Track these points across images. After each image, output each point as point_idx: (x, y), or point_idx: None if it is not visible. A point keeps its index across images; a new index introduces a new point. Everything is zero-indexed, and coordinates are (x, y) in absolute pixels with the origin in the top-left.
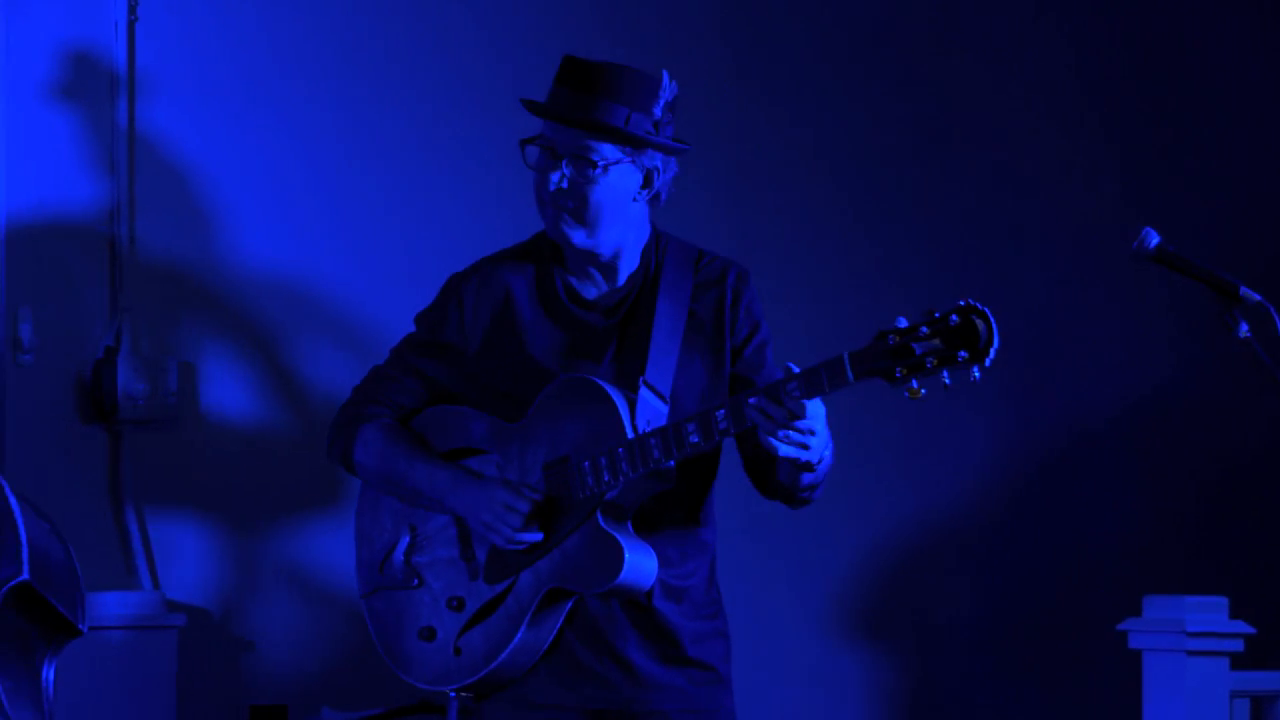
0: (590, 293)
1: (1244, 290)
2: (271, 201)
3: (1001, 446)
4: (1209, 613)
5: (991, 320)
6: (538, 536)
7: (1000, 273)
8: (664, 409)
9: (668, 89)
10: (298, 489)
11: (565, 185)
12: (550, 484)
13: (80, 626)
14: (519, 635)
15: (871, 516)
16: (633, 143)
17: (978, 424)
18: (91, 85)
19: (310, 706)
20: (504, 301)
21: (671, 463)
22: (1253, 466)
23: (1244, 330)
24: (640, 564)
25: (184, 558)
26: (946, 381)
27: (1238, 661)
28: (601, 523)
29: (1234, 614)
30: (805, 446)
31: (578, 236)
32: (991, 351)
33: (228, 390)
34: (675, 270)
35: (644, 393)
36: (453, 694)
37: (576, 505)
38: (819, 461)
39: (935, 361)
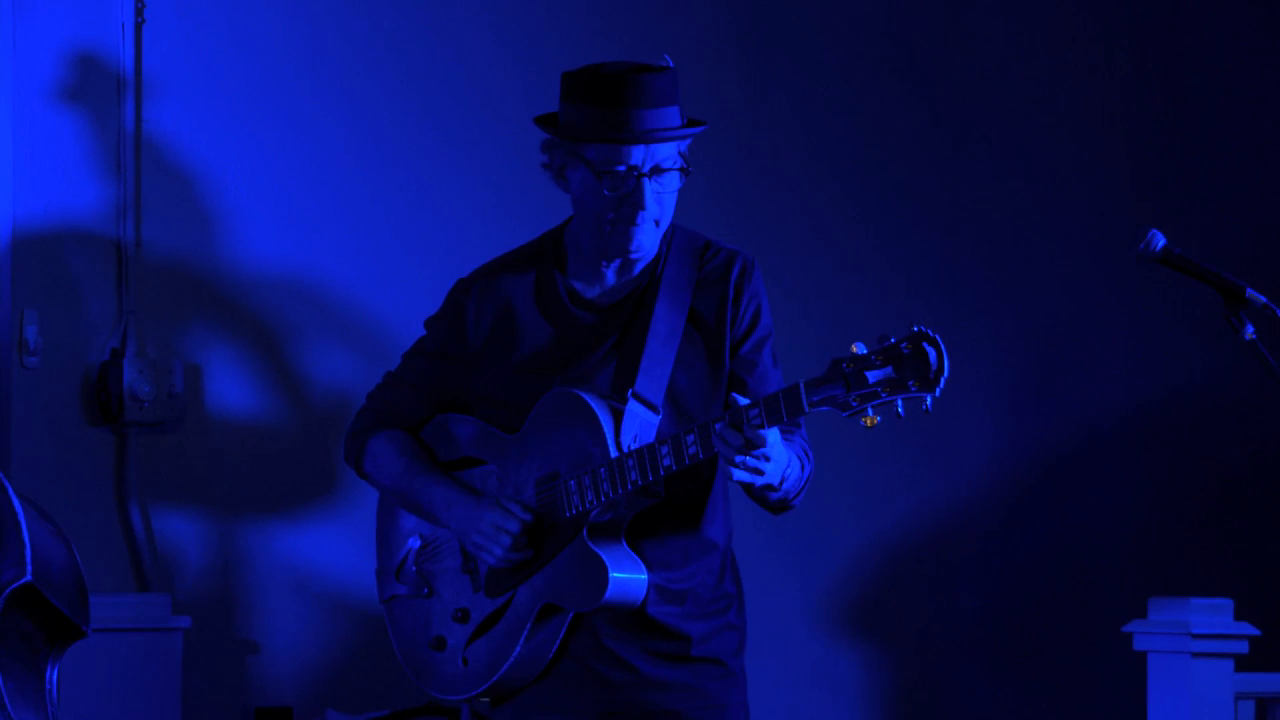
0: (592, 292)
1: (1250, 292)
2: (277, 204)
3: (1007, 447)
4: (1214, 615)
5: (943, 348)
6: (527, 554)
7: (1008, 274)
8: (654, 420)
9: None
10: (303, 491)
11: (655, 199)
12: (541, 500)
13: (84, 629)
14: (518, 648)
15: (877, 516)
16: (692, 136)
17: (984, 425)
18: (98, 87)
19: (315, 709)
20: (505, 308)
21: (654, 482)
22: (1258, 468)
23: (1249, 332)
24: (627, 583)
25: (189, 560)
26: (900, 411)
27: (1242, 663)
28: (589, 542)
29: (1239, 616)
30: (759, 472)
31: (650, 242)
32: (941, 381)
33: (233, 392)
34: (679, 265)
35: (632, 405)
36: (464, 706)
37: (565, 523)
38: (781, 481)
39: (887, 390)
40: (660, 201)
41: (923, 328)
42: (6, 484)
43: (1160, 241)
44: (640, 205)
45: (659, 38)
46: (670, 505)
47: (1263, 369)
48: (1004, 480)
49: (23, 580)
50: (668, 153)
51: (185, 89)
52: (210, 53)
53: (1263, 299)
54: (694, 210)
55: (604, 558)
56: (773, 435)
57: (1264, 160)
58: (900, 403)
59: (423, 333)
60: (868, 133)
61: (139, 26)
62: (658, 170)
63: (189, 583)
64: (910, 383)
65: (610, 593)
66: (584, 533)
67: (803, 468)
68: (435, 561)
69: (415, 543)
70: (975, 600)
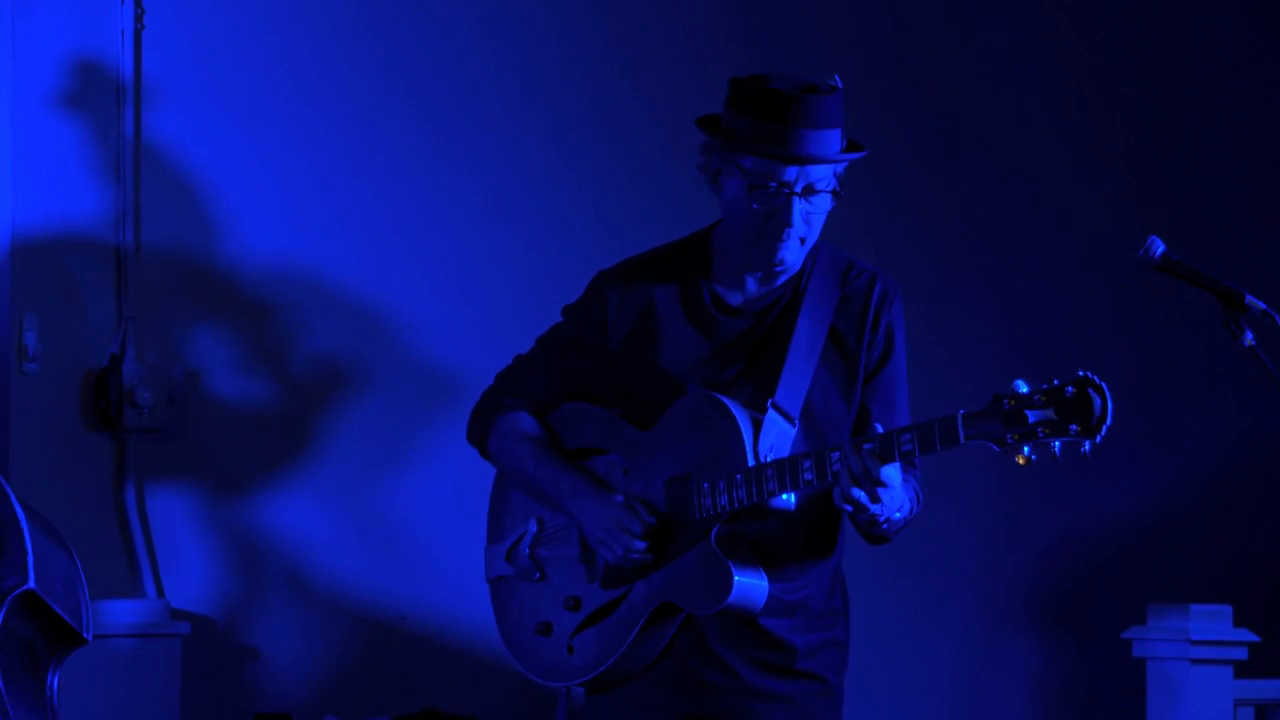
0: (735, 299)
1: (1249, 298)
2: (277, 209)
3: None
4: (1213, 621)
5: (1108, 396)
6: (648, 558)
7: (1006, 279)
8: (791, 431)
9: (842, 92)
10: (303, 497)
11: (802, 218)
12: (670, 500)
13: (85, 635)
14: (629, 642)
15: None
16: (850, 160)
17: None
18: (98, 94)
19: (314, 714)
20: (647, 305)
21: (790, 495)
22: (1258, 475)
23: (1249, 338)
24: (750, 590)
25: (188, 565)
26: (1057, 452)
27: (1241, 670)
28: (715, 546)
29: (1238, 622)
30: (864, 509)
31: (795, 258)
32: (1103, 429)
33: (232, 398)
34: (823, 282)
35: (771, 415)
36: (563, 691)
37: (693, 525)
38: (885, 521)
39: (1047, 431)
40: (808, 220)
41: (1089, 374)
42: (8, 490)
43: (1160, 248)
44: (787, 223)
45: (658, 39)
46: (790, 518)
47: (1262, 375)
48: (1001, 486)
49: (25, 587)
50: (822, 174)
51: (185, 95)
52: (210, 59)
53: (1262, 305)
54: (693, 210)
55: (729, 562)
56: (893, 473)
57: (1264, 166)
58: (1058, 445)
59: (426, 342)
60: (866, 134)
61: (138, 33)
62: (810, 190)
63: (188, 588)
64: (1072, 426)
65: (733, 597)
66: (711, 536)
67: (911, 510)
68: (551, 547)
69: (533, 527)
70: (973, 606)
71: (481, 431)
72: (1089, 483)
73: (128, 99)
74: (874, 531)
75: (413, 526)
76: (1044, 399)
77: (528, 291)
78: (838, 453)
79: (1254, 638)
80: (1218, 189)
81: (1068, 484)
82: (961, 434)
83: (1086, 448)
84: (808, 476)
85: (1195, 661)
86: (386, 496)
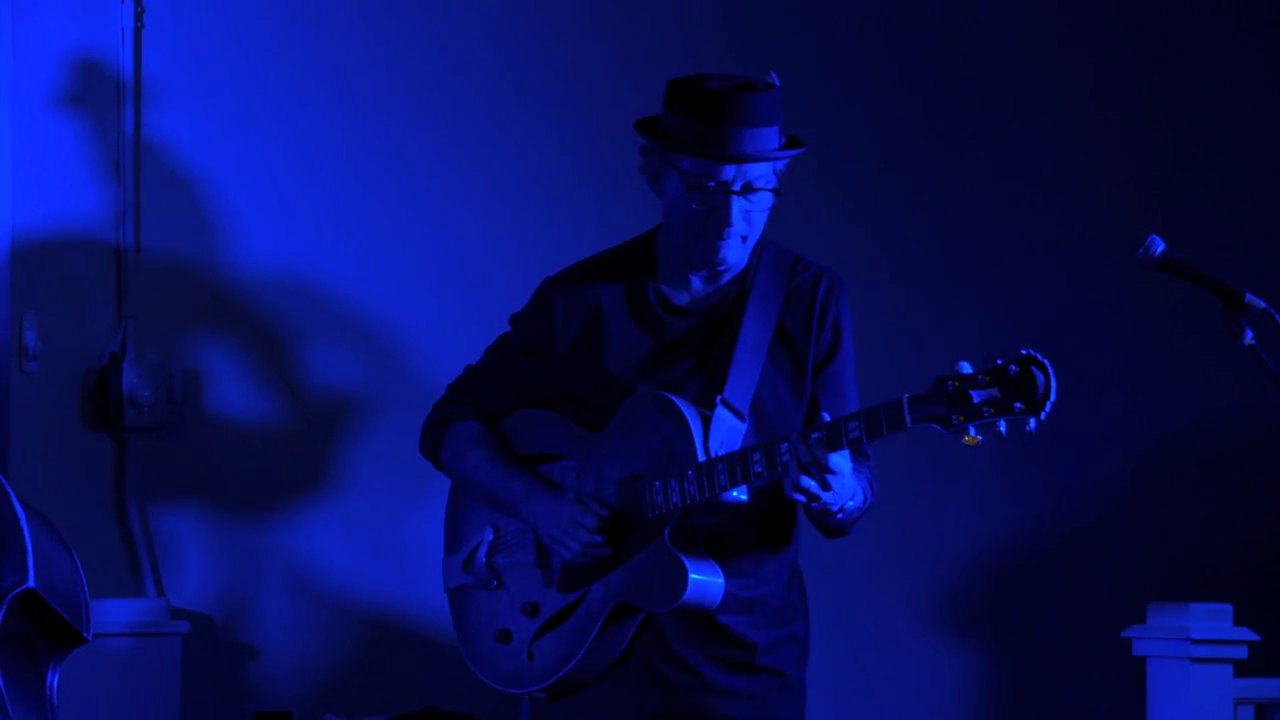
0: (681, 299)
1: (1249, 297)
2: (277, 209)
3: (1004, 452)
4: (1213, 620)
5: (1050, 372)
6: (605, 553)
7: (1005, 278)
8: (741, 427)
9: (780, 90)
10: (303, 496)
11: (741, 216)
12: (623, 499)
13: (85, 634)
14: (588, 644)
15: (874, 520)
16: (788, 158)
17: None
18: (98, 92)
19: (314, 713)
20: (594, 309)
21: (742, 489)
22: (1258, 473)
23: (1249, 337)
24: (705, 587)
25: (188, 564)
26: (1003, 432)
27: (1242, 668)
28: (669, 544)
29: (1238, 621)
30: (816, 498)
31: (736, 257)
32: (1047, 405)
33: (233, 397)
34: (768, 279)
35: (720, 411)
36: (526, 696)
37: (647, 524)
38: (838, 511)
39: (992, 411)
40: (749, 219)
41: (1031, 351)
42: (9, 489)
43: (1160, 247)
44: (727, 222)
45: (655, 39)
46: (744, 512)
47: (1262, 374)
48: (1001, 485)
49: (25, 586)
50: (760, 172)
51: (185, 94)
52: (210, 58)
53: (1262, 304)
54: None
55: (684, 559)
56: (843, 461)
57: (1264, 165)
58: (1004, 424)
59: (425, 344)
60: (865, 134)
61: (139, 31)
62: (749, 189)
63: (188, 587)
64: (1016, 404)
65: (688, 595)
66: (665, 534)
67: (865, 500)
68: (507, 555)
69: (488, 535)
70: (973, 604)
71: (433, 443)
72: (1088, 481)
73: (128, 98)
74: (828, 523)
75: (413, 524)
76: (988, 379)
77: (526, 289)
78: (786, 444)
79: (1254, 636)
80: (1218, 187)
81: (1067, 482)
82: (908, 417)
83: (1032, 425)
84: (758, 469)
85: (1195, 660)
86: (387, 494)
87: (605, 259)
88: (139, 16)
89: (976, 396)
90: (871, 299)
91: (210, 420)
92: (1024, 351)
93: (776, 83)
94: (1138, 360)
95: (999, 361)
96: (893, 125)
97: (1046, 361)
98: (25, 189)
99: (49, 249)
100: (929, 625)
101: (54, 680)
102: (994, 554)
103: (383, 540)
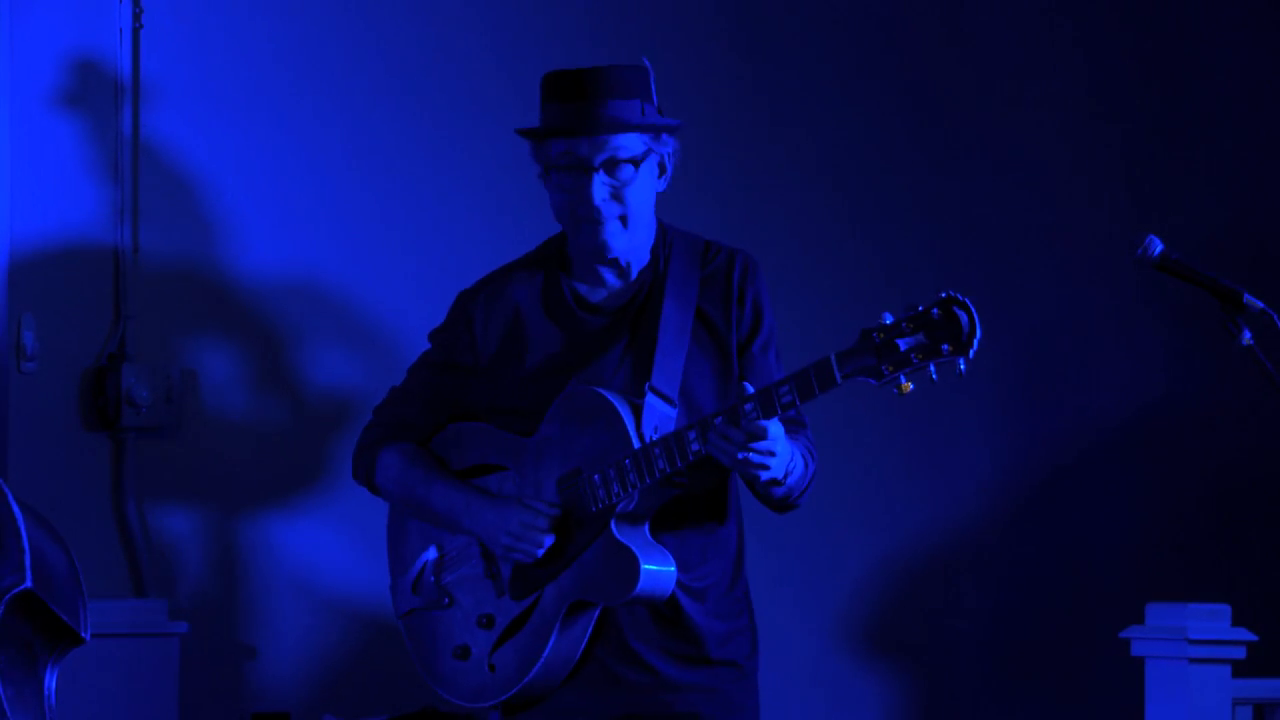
0: (598, 295)
1: (1247, 298)
2: (275, 209)
3: (1004, 453)
4: (1211, 620)
5: (973, 311)
6: (552, 546)
7: (1004, 278)
8: (672, 413)
9: (651, 71)
10: (301, 496)
11: (607, 194)
12: (565, 497)
13: (83, 634)
14: (549, 648)
15: (873, 525)
16: (655, 129)
17: (980, 431)
18: (96, 92)
19: (313, 713)
20: (512, 316)
21: (681, 471)
22: (1255, 473)
23: (1247, 338)
24: (657, 574)
25: (186, 565)
26: (934, 376)
27: (1240, 669)
28: (616, 535)
29: (1236, 621)
30: (765, 467)
31: (619, 243)
32: (974, 343)
33: (231, 397)
34: (682, 265)
35: (650, 398)
36: (494, 714)
37: (591, 518)
38: (785, 475)
39: (920, 356)
40: (620, 198)
41: (951, 292)
42: (6, 489)
43: (1158, 247)
44: (588, 200)
45: (654, 40)
46: (688, 502)
47: (1260, 374)
48: (1001, 486)
49: (23, 586)
50: (624, 143)
51: (183, 94)
52: (208, 58)
53: (1260, 304)
54: (689, 211)
55: (634, 549)
56: (775, 428)
57: (1262, 165)
58: (934, 368)
59: (425, 345)
60: (862, 134)
61: (137, 32)
62: (612, 163)
63: (186, 588)
64: (944, 346)
65: (641, 584)
66: (611, 526)
67: (806, 465)
68: (454, 570)
69: (432, 554)
70: (972, 605)
71: (366, 469)
72: (1087, 482)
73: (126, 98)
74: (775, 495)
75: None
76: (911, 325)
77: None
78: (721, 418)
79: (1252, 637)
80: (1217, 187)
81: (1067, 485)
82: (837, 373)
83: (962, 366)
84: (694, 447)
85: (1193, 660)
86: None
87: (518, 264)
88: (137, 17)
89: (903, 345)
90: (869, 299)
91: (208, 421)
92: (944, 294)
93: (646, 64)
94: (1134, 361)
95: (920, 307)
96: (888, 124)
97: (968, 300)
98: (23, 189)
99: (47, 249)
100: (923, 622)
101: (51, 681)
102: (991, 555)
103: (381, 541)
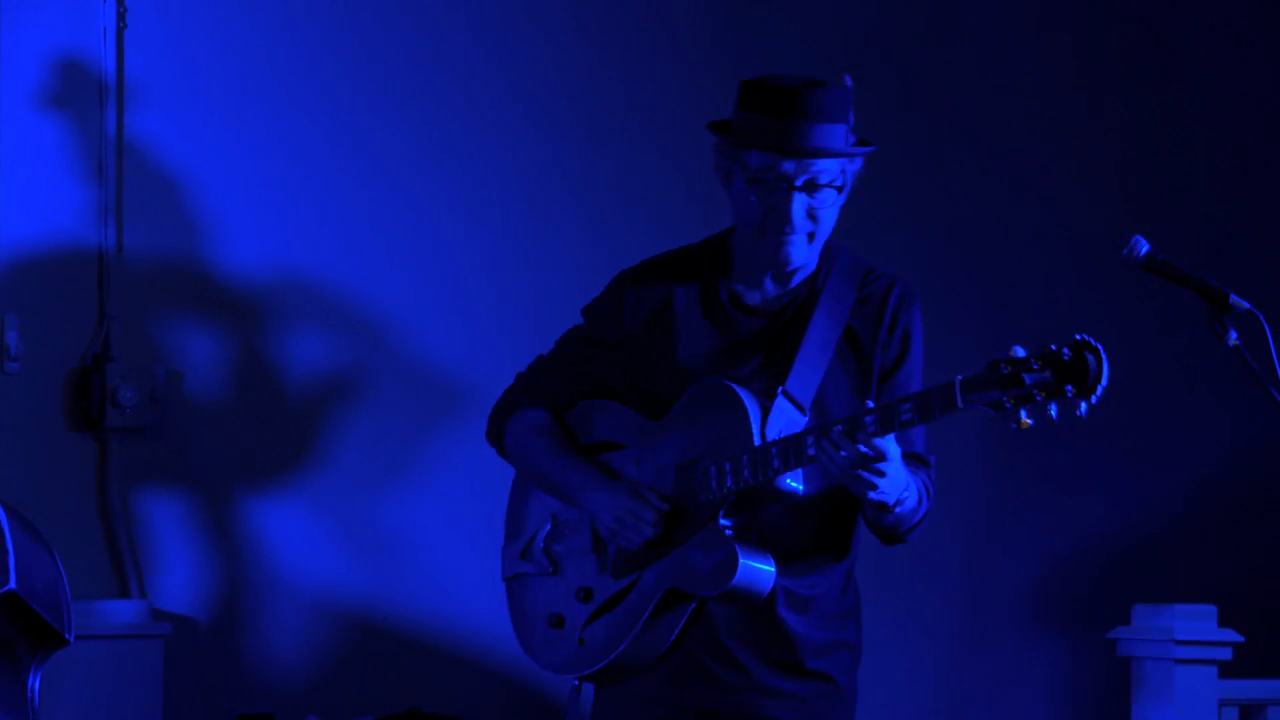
0: (753, 298)
1: (1234, 298)
2: (259, 208)
3: (991, 454)
4: (1198, 621)
5: (1103, 356)
6: (657, 538)
7: (992, 280)
8: (801, 420)
9: (852, 91)
10: (285, 496)
11: (804, 212)
12: (679, 485)
13: (67, 636)
14: (637, 630)
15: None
16: (854, 156)
17: (968, 432)
18: (80, 92)
19: (297, 714)
20: (664, 303)
21: (797, 476)
22: (1242, 475)
23: (1233, 338)
24: (755, 571)
25: (171, 566)
26: (1054, 415)
27: (1226, 670)
28: (721, 528)
29: (1223, 622)
30: (873, 486)
31: (801, 258)
32: (1099, 389)
33: (215, 397)
34: (839, 282)
35: (780, 402)
36: (575, 681)
37: (701, 508)
38: (895, 504)
39: (1043, 394)
40: (814, 216)
41: (1086, 337)
42: None
43: (1144, 247)
44: (786, 218)
45: (646, 39)
46: (804, 511)
47: (1247, 375)
48: (987, 487)
49: (6, 588)
50: (825, 168)
51: (167, 94)
52: (192, 58)
53: (1246, 305)
54: (685, 211)
55: (734, 543)
56: (892, 449)
57: (1250, 167)
58: (1055, 408)
59: (414, 345)
60: (858, 134)
61: (120, 31)
62: (813, 185)
63: (170, 589)
64: (1067, 388)
65: (738, 578)
66: (718, 518)
67: (920, 502)
68: (564, 541)
69: (547, 525)
70: (959, 605)
71: (498, 430)
72: (1075, 484)
73: (110, 98)
74: (885, 522)
75: (396, 526)
76: (1040, 363)
77: (511, 289)
78: (840, 426)
79: (1239, 638)
80: (1204, 188)
81: (1054, 486)
82: (959, 399)
83: (1083, 410)
84: (810, 452)
85: (1180, 661)
86: (370, 496)
87: (680, 255)
88: (121, 16)
89: (1028, 379)
90: None
91: (193, 420)
92: (1078, 337)
93: (849, 84)
94: (1121, 362)
95: (1053, 347)
96: (882, 126)
97: (1099, 346)
98: (6, 189)
99: (30, 249)
100: (914, 625)
101: (35, 683)
102: (978, 556)
103: (366, 542)
